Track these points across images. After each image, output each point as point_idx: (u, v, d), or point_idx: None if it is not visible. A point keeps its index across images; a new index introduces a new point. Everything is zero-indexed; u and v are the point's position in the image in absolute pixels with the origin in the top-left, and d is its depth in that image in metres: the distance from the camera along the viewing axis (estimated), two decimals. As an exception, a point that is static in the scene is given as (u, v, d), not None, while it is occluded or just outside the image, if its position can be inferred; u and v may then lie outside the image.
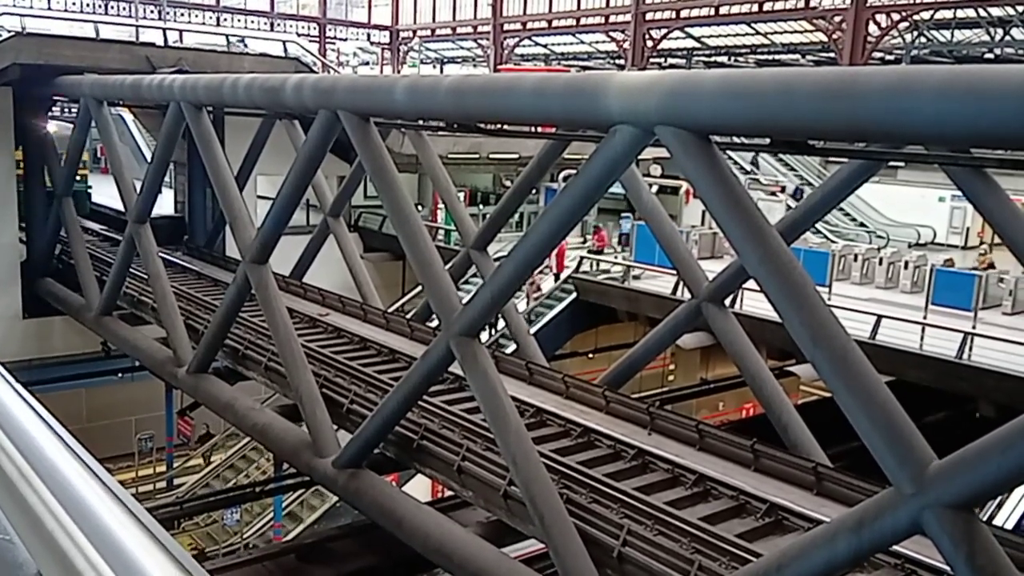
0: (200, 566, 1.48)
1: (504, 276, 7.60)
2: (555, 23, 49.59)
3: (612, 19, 45.54)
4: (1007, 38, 36.00)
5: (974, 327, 17.10)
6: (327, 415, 10.42)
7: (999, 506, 14.32)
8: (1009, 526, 14.08)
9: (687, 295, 11.62)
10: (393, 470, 12.57)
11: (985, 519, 10.20)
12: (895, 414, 5.04)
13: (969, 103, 4.51)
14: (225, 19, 52.79)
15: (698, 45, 47.51)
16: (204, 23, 50.72)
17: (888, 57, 39.63)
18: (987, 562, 4.61)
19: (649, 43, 43.33)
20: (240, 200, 11.83)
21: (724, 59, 47.99)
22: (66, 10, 45.49)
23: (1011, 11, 33.81)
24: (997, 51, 37.05)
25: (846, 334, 5.34)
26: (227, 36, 29.16)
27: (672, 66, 48.28)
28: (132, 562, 1.41)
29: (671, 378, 27.52)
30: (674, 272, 12.08)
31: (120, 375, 23.82)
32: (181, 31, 28.44)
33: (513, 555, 9.05)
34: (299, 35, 48.89)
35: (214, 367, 13.40)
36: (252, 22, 54.12)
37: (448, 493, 11.52)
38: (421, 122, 12.01)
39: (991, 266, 22.19)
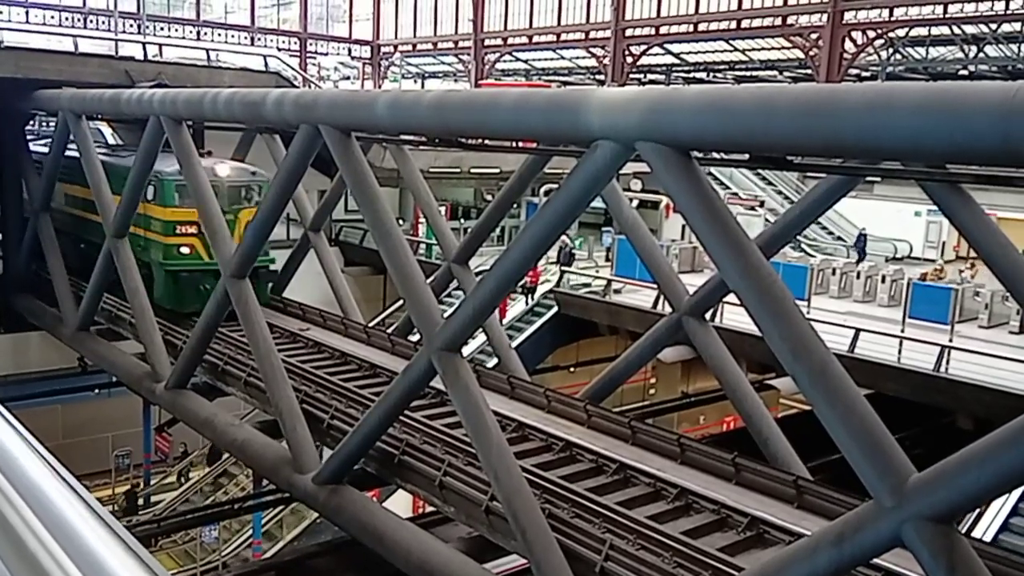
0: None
1: (486, 290, 7.60)
2: (536, 39, 49.92)
3: (592, 35, 45.91)
4: (981, 55, 36.62)
5: (951, 340, 17.29)
6: (307, 431, 10.34)
7: (978, 518, 14.43)
8: (988, 538, 14.20)
9: (668, 309, 11.67)
10: (374, 486, 12.50)
11: (964, 532, 10.27)
12: (874, 427, 5.07)
13: (944, 119, 4.58)
14: (205, 33, 52.68)
15: (677, 61, 47.97)
16: (184, 37, 50.59)
17: (864, 74, 40.21)
18: (966, 574, 4.65)
19: (629, 59, 43.70)
20: (220, 215, 11.77)
21: (703, 75, 48.47)
22: (44, 23, 45.21)
23: (985, 29, 34.41)
24: (971, 68, 37.65)
25: (825, 347, 5.38)
26: (207, 50, 29.08)
27: (652, 82, 48.70)
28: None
29: (652, 392, 27.57)
30: (655, 286, 12.12)
31: (97, 391, 23.54)
32: (161, 45, 28.37)
33: (495, 571, 9.01)
34: (280, 50, 48.90)
35: (193, 383, 13.28)
36: (232, 36, 54.04)
37: (430, 509, 11.46)
38: (403, 137, 12.03)
39: (940, 277, 22.87)
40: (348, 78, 53.63)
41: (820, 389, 5.24)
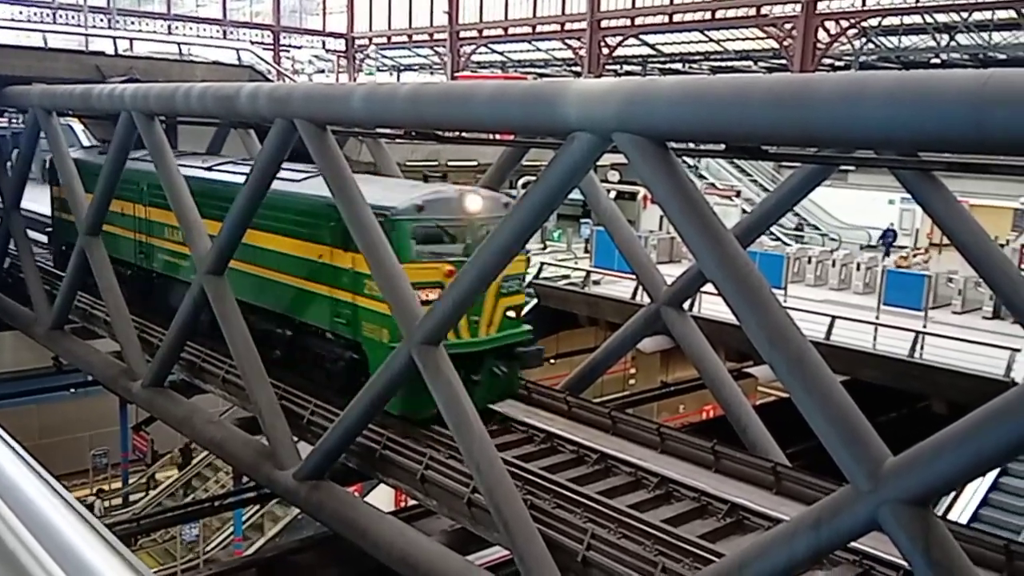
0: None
1: (465, 283, 7.60)
2: (511, 30, 49.82)
3: (568, 27, 45.89)
4: (952, 43, 36.99)
5: (925, 326, 17.51)
6: (287, 427, 10.30)
7: (954, 501, 14.65)
8: (963, 520, 14.42)
9: (646, 299, 11.73)
10: (356, 480, 12.48)
11: (940, 514, 10.43)
12: (850, 413, 5.14)
13: (916, 107, 4.63)
14: (176, 27, 52.07)
15: (653, 52, 48.08)
16: (155, 32, 49.97)
17: (838, 63, 40.50)
18: (942, 556, 4.72)
19: (605, 50, 43.73)
20: (195, 210, 11.66)
21: (679, 66, 48.63)
22: (13, 19, 44.47)
23: (956, 17, 34.76)
24: (943, 56, 38.05)
25: (802, 335, 5.43)
26: (179, 44, 28.77)
27: (628, 73, 48.77)
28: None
29: (632, 382, 27.69)
30: (633, 277, 12.16)
31: (73, 390, 23.31)
32: (131, 40, 28.03)
33: (478, 562, 9.03)
34: (252, 43, 48.44)
35: (170, 380, 13.17)
36: (204, 30, 53.45)
37: (412, 502, 11.46)
38: (379, 130, 11.98)
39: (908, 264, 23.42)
40: (323, 71, 53.26)
41: (797, 376, 5.30)
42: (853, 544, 6.70)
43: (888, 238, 31.84)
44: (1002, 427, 4.41)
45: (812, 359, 5.30)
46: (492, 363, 10.52)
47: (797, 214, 35.61)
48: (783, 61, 38.90)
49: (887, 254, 28.64)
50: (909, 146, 6.22)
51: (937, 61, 38.21)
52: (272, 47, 54.73)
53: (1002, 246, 22.78)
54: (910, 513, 4.79)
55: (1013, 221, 35.92)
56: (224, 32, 53.32)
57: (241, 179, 11.50)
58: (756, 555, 5.56)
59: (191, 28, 52.91)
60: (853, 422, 5.11)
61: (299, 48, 55.65)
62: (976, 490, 14.74)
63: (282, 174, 10.84)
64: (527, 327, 11.21)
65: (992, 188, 31.71)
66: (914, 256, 25.48)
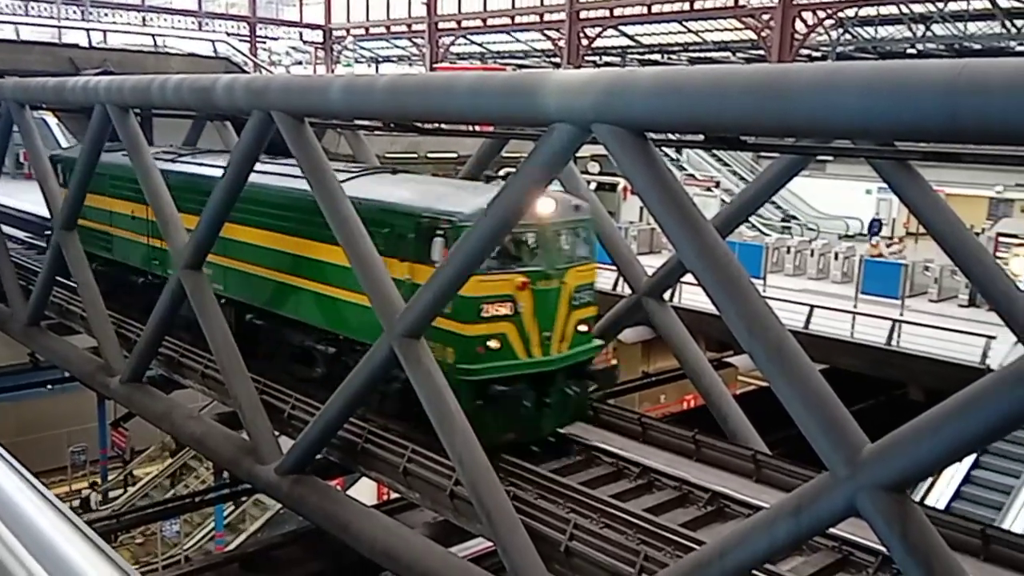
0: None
1: (445, 276, 7.58)
2: (490, 21, 49.69)
3: (547, 17, 45.83)
4: (928, 34, 37.30)
5: (902, 315, 17.71)
6: (268, 421, 10.25)
7: (931, 487, 14.84)
8: (940, 506, 14.62)
9: (627, 290, 11.76)
10: (338, 474, 12.45)
11: (917, 500, 10.56)
12: (829, 401, 5.18)
13: (892, 97, 4.66)
14: (151, 19, 51.45)
15: (632, 43, 48.14)
16: (129, 23, 49.35)
17: (815, 54, 40.73)
18: (919, 540, 4.78)
19: (584, 41, 43.72)
20: (171, 204, 11.55)
21: (658, 57, 48.72)
22: (-17, 10, 43.77)
23: (932, 7, 35.05)
24: (919, 47, 38.36)
25: (781, 324, 5.47)
26: (153, 36, 28.45)
27: (607, 64, 48.81)
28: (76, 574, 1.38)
29: (613, 373, 27.78)
30: (614, 268, 12.19)
31: (50, 387, 23.08)
32: (105, 32, 27.71)
33: (461, 554, 9.04)
34: (228, 35, 47.98)
35: (148, 376, 13.06)
36: (179, 21, 52.87)
37: (395, 495, 11.45)
38: (357, 122, 11.91)
39: (880, 254, 23.69)
40: (300, 63, 52.85)
41: (776, 365, 5.33)
42: (832, 530, 6.78)
43: (875, 228, 32.19)
44: (978, 413, 4.47)
45: (791, 348, 5.34)
46: (564, 383, 9.45)
47: (780, 207, 35.84)
48: (761, 52, 39.07)
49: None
50: (885, 136, 6.27)
51: (913, 52, 38.54)
52: (248, 39, 54.23)
53: (977, 235, 23.07)
54: (887, 499, 4.85)
55: (988, 210, 36.35)
56: (199, 23, 52.75)
57: (266, 179, 11.13)
58: (737, 542, 5.60)
59: (166, 19, 52.30)
60: (831, 410, 5.15)
61: (276, 40, 55.18)
62: (953, 476, 14.94)
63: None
64: (599, 341, 10.29)
65: (967, 177, 32.04)
66: (888, 246, 25.74)
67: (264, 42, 54.60)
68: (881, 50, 39.34)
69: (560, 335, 9.42)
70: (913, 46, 38.60)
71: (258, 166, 9.99)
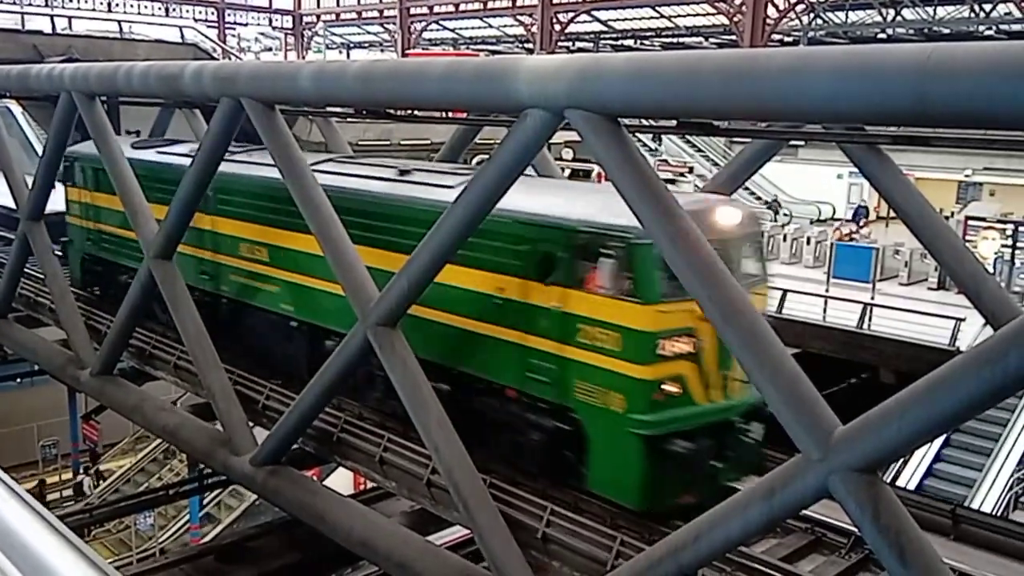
0: (118, 572, 1.42)
1: (420, 264, 7.52)
2: (462, 7, 49.32)
3: (519, 3, 45.62)
4: (898, 18, 37.60)
5: (873, 298, 17.92)
6: (242, 412, 10.17)
7: (903, 465, 15.07)
8: (913, 484, 14.87)
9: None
10: (314, 464, 12.39)
11: (889, 481, 10.70)
12: (801, 384, 5.22)
13: (862, 82, 4.68)
14: (117, 4, 50.53)
15: (605, 29, 48.07)
16: (94, 9, 48.43)
17: (787, 39, 40.93)
18: (891, 521, 4.84)
19: (557, 27, 43.58)
20: (140, 193, 11.37)
21: (631, 42, 48.71)
22: (-58, -4, 42.75)
23: (901, -8, 35.33)
24: (890, 31, 38.69)
25: (754, 309, 5.49)
26: (119, 22, 27.96)
27: (580, 50, 48.71)
28: (48, 571, 1.34)
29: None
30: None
31: (19, 380, 22.77)
32: (70, 18, 27.16)
33: (439, 542, 9.05)
34: (196, 20, 47.28)
35: (119, 368, 12.91)
36: (146, 7, 51.97)
37: (372, 485, 11.42)
38: (329, 109, 11.78)
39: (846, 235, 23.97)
40: (270, 49, 52.24)
41: (749, 350, 5.36)
42: (805, 512, 6.85)
43: (860, 215, 32.46)
44: (947, 394, 4.52)
45: (764, 332, 5.37)
46: (742, 428, 7.92)
47: (754, 193, 36.05)
48: (733, 37, 39.20)
49: (859, 229, 29.23)
50: (855, 120, 6.30)
51: (883, 36, 38.87)
52: (217, 25, 53.47)
53: (947, 218, 23.39)
54: (859, 480, 4.90)
55: (957, 194, 36.82)
56: (167, 9, 51.92)
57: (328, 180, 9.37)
58: (711, 524, 5.64)
59: (132, 5, 51.37)
60: (803, 393, 5.19)
61: (245, 26, 54.46)
62: (924, 456, 15.17)
63: (428, 179, 9.20)
64: None
65: (936, 162, 32.43)
66: (857, 230, 26.01)
67: (233, 28, 53.88)
68: (852, 35, 39.63)
69: (738, 373, 7.65)
70: (883, 31, 38.92)
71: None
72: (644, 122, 7.83)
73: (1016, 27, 34.41)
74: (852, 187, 36.31)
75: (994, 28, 35.86)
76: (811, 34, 39.84)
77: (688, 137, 37.04)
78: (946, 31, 36.84)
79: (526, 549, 7.37)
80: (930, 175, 31.51)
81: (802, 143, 31.61)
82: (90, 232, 15.22)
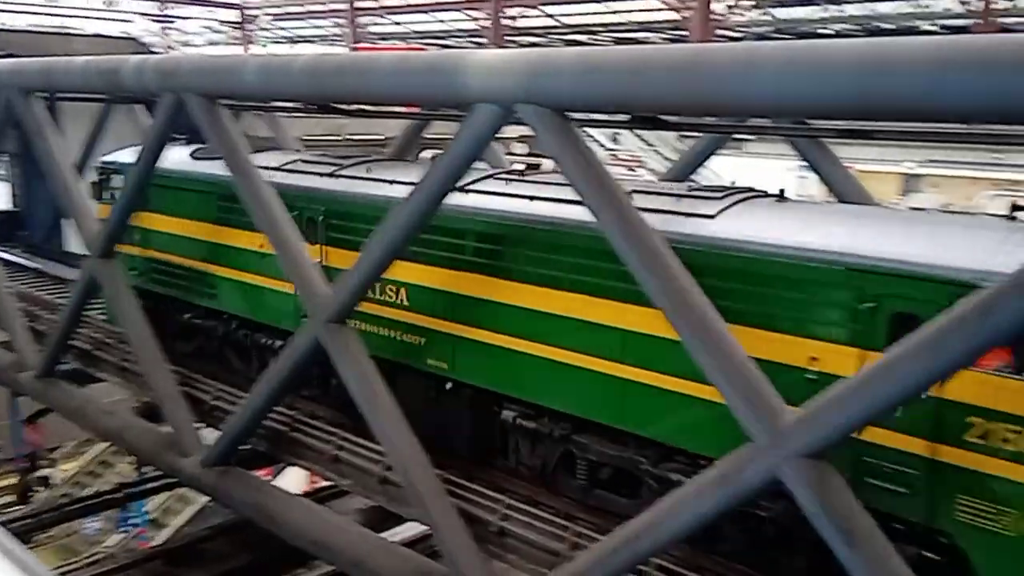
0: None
1: (371, 259, 7.46)
2: (412, 1, 48.96)
3: (470, -3, 45.37)
4: (842, 13, 38.34)
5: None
6: (189, 413, 9.98)
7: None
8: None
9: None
10: (266, 464, 12.24)
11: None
12: (750, 373, 5.30)
13: (806, 77, 4.77)
14: (56, -2, 49.06)
15: (555, 24, 48.14)
16: (33, 3, 46.97)
17: (734, 34, 41.47)
18: (840, 506, 4.95)
19: (507, 22, 43.52)
20: (80, 192, 11.08)
21: (581, 38, 48.86)
22: None
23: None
24: (836, 27, 39.44)
25: (704, 299, 5.56)
26: (59, 16, 27.21)
27: (531, 45, 48.73)
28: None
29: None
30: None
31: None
32: (6, 11, 26.31)
33: (394, 539, 9.01)
34: (138, 14, 46.18)
35: (62, 370, 12.58)
36: (87, 1, 50.58)
37: (325, 484, 11.32)
38: (275, 104, 11.61)
39: None
40: (215, 44, 51.24)
41: (699, 339, 5.43)
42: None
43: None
44: (891, 379, 4.65)
45: (714, 322, 5.44)
46: None
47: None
48: (684, 32, 39.56)
49: None
50: (800, 114, 6.42)
51: (829, 32, 39.62)
52: (159, 18, 52.26)
53: (888, 209, 23.86)
54: (808, 466, 5.00)
55: (901, 185, 37.72)
56: (109, 2, 50.59)
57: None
58: (666, 513, 5.71)
59: (71, -1, 49.95)
60: (752, 381, 5.27)
61: (187, 19, 53.34)
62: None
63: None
64: None
65: (879, 154, 33.16)
66: None
67: (174, 22, 52.74)
68: (797, 31, 40.32)
69: None
70: (827, 26, 39.66)
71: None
72: (595, 116, 7.87)
73: (957, 22, 35.34)
74: (800, 180, 36.95)
75: (937, 24, 36.81)
76: (757, 30, 40.45)
77: (638, 132, 37.37)
78: (889, 26, 37.70)
79: (482, 543, 7.37)
80: (873, 167, 32.24)
81: (750, 137, 32.09)
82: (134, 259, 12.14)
